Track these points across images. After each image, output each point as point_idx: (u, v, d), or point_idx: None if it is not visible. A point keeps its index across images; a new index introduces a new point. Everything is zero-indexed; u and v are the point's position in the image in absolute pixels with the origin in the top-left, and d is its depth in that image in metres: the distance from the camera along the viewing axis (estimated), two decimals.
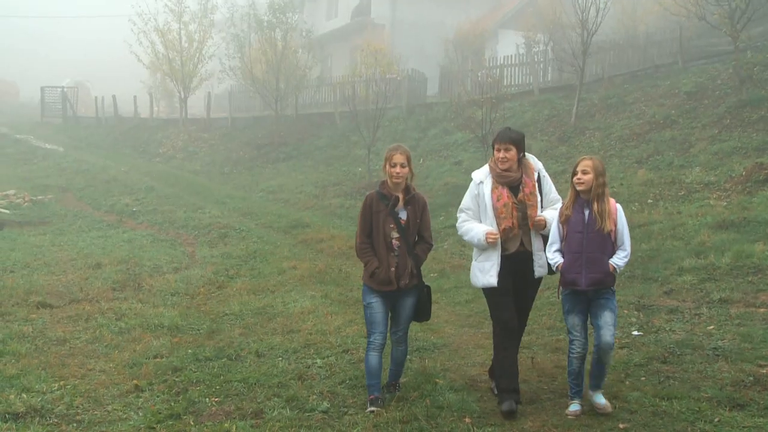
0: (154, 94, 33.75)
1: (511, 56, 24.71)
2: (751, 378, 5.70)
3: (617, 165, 14.36)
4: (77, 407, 5.50)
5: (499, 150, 5.52)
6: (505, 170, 5.51)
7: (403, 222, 5.53)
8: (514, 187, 5.52)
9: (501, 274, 5.47)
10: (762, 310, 7.43)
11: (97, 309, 8.59)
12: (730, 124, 14.19)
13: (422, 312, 5.71)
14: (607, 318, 5.25)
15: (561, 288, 5.45)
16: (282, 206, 17.60)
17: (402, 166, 5.49)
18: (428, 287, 5.75)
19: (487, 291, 5.58)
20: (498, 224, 5.46)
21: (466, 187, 5.75)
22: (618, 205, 5.35)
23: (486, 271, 5.51)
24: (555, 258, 5.41)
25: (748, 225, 9.83)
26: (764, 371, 5.83)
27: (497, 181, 5.53)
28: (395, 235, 5.51)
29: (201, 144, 27.03)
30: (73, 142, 29.17)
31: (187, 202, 17.35)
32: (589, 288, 5.26)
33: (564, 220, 5.38)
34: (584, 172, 5.31)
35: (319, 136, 24.41)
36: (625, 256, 5.29)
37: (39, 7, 56.61)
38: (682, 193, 12.13)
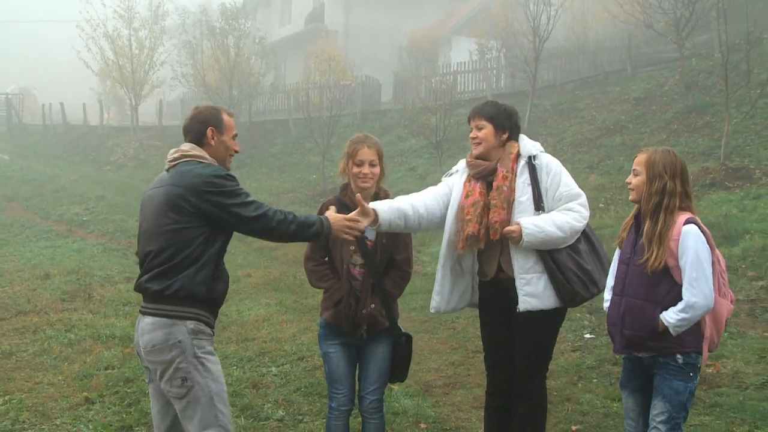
0: (104, 101, 33.17)
1: (465, 63, 24.99)
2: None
3: (569, 170, 14.52)
4: (24, 422, 5.35)
5: (471, 129, 4.14)
6: (478, 156, 4.08)
7: (369, 243, 4.00)
8: (492, 183, 4.02)
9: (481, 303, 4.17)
10: None
11: (45, 320, 8.38)
12: (678, 129, 14.54)
13: (396, 369, 4.14)
14: (656, 409, 3.53)
15: None
16: None
17: (372, 164, 4.00)
18: (408, 336, 4.13)
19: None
20: (461, 229, 3.99)
21: None
22: (688, 227, 3.45)
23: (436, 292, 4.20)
24: (606, 298, 3.87)
25: None
26: (710, 371, 5.97)
27: (470, 174, 4.10)
28: (358, 261, 4.00)
29: (153, 152, 26.64)
30: (19, 150, 28.50)
31: (138, 211, 17.06)
32: (624, 352, 3.68)
33: (619, 242, 3.85)
34: (635, 173, 3.68)
35: (273, 143, 24.30)
36: (684, 311, 3.40)
37: None
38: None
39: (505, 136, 4.05)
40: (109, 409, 5.61)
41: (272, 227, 3.48)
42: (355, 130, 22.40)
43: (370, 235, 4.00)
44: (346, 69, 24.19)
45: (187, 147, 3.57)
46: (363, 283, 3.97)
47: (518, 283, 3.89)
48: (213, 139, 3.61)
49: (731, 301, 3.67)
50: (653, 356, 3.53)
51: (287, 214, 3.54)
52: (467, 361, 6.79)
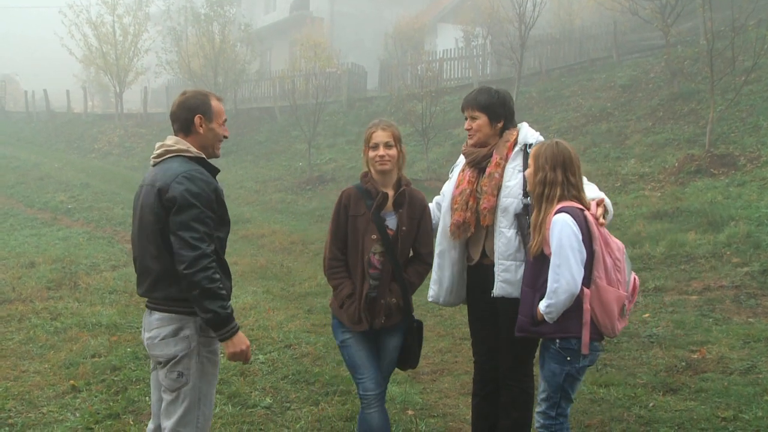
0: (88, 88, 32.84)
1: (450, 50, 24.95)
2: (684, 363, 5.87)
3: None
4: (9, 410, 5.32)
5: (466, 118, 4.09)
6: (475, 145, 4.05)
7: (390, 232, 3.86)
8: (485, 170, 4.00)
9: (466, 291, 4.18)
10: (694, 297, 7.67)
11: (31, 309, 8.33)
12: (663, 116, 14.60)
13: (407, 357, 4.03)
14: (540, 387, 3.75)
15: None
16: None
17: (387, 146, 3.85)
18: (419, 323, 4.04)
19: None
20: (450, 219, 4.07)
21: None
22: (556, 217, 3.51)
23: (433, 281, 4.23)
24: None
25: (680, 215, 10.11)
26: (695, 356, 6.02)
27: (466, 162, 4.11)
28: (378, 249, 3.86)
29: (138, 140, 26.48)
30: (2, 138, 28.20)
31: (124, 199, 16.96)
32: (518, 335, 3.73)
33: None
34: (528, 165, 3.74)
35: (259, 131, 24.22)
36: (549, 296, 3.50)
37: None
38: (618, 184, 12.41)
39: (500, 125, 3.99)
40: (96, 397, 5.59)
41: (191, 261, 3.20)
42: (341, 117, 22.38)
43: (391, 224, 3.89)
44: (331, 56, 24.10)
45: (171, 141, 3.47)
46: (383, 272, 3.86)
47: (496, 269, 3.89)
48: (201, 126, 3.47)
49: (633, 288, 3.71)
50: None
51: (220, 279, 3.31)
52: (454, 348, 6.81)
